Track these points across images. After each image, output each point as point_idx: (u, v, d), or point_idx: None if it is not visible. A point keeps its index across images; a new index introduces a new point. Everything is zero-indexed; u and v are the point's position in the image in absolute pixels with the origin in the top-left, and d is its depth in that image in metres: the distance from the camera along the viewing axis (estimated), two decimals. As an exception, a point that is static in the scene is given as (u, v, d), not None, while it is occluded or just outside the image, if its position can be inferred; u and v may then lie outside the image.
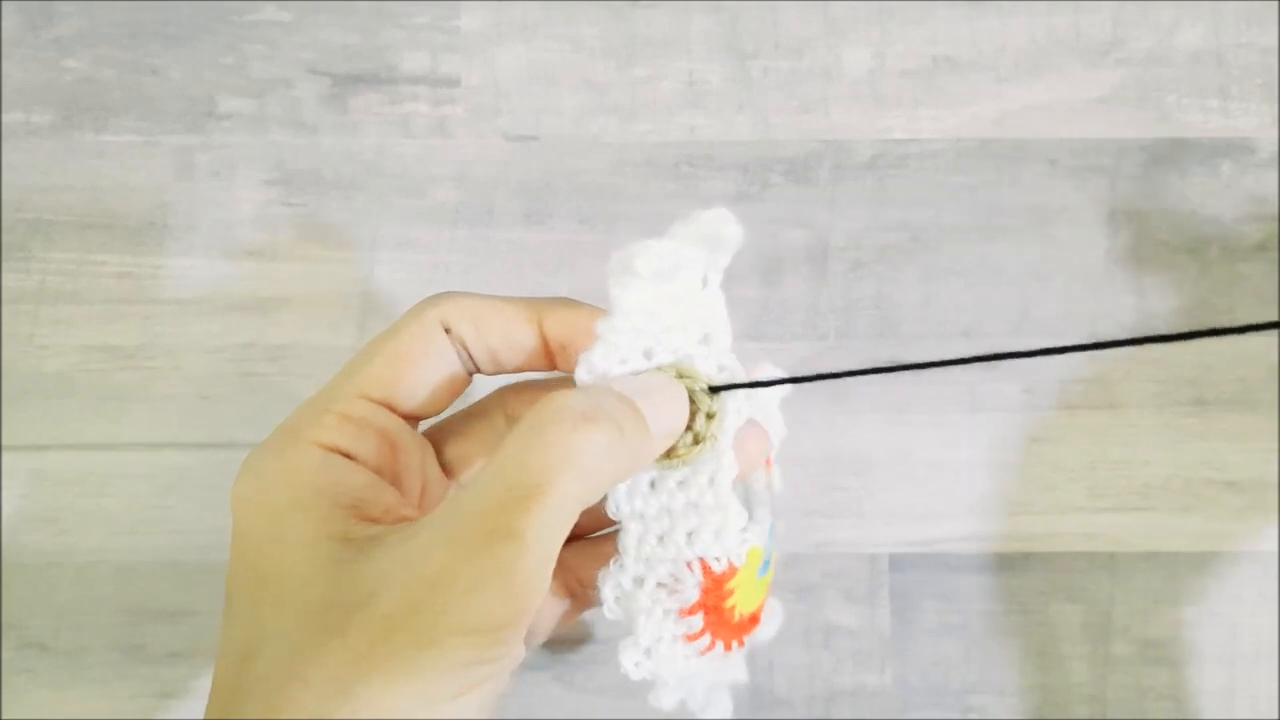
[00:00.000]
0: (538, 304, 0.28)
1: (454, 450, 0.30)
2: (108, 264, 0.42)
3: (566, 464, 0.23)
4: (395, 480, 0.28)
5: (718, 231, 0.27)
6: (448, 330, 0.28)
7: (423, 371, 0.28)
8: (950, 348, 0.42)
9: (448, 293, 0.29)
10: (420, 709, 0.22)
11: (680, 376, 0.27)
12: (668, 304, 0.27)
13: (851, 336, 0.42)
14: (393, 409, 0.28)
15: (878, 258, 0.42)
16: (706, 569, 0.28)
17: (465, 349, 0.28)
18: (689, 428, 0.27)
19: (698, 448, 0.27)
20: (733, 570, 0.28)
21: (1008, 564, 0.40)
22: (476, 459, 0.30)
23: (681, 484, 0.28)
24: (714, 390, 0.28)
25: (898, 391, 0.41)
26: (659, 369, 0.27)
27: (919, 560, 0.40)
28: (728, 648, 0.29)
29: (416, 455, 0.29)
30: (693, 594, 0.28)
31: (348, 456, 0.27)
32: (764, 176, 0.42)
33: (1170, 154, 0.43)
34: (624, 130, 0.43)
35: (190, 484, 0.40)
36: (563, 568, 0.31)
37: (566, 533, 0.24)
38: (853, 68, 0.43)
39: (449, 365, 0.28)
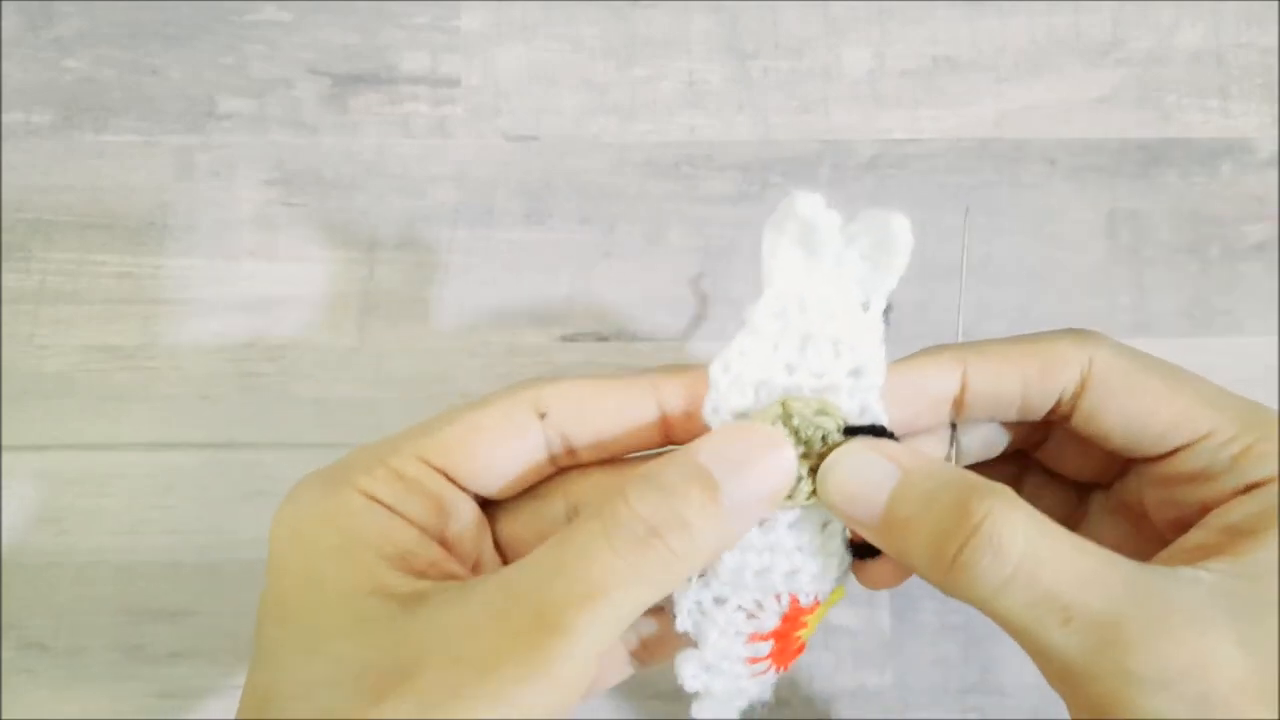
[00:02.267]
0: (650, 376, 0.27)
1: (506, 529, 0.29)
2: (108, 264, 0.42)
3: (631, 576, 0.23)
4: (443, 545, 0.26)
5: (887, 235, 0.25)
6: (542, 416, 0.26)
7: (497, 453, 0.26)
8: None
9: (551, 378, 0.27)
10: None
11: (820, 414, 0.25)
12: (820, 310, 0.25)
13: (851, 336, 0.42)
14: (452, 480, 0.26)
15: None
16: (795, 601, 0.27)
17: (563, 438, 0.27)
18: (815, 470, 0.25)
19: (815, 493, 0.26)
20: (816, 605, 0.27)
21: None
22: (528, 543, 0.28)
23: (792, 526, 0.26)
24: (850, 433, 0.25)
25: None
26: (786, 411, 0.25)
27: (919, 560, 0.40)
28: (777, 670, 0.28)
29: (471, 529, 0.27)
30: (772, 622, 0.27)
31: (392, 510, 0.25)
32: (764, 176, 0.42)
33: (1170, 154, 0.43)
34: (624, 130, 0.43)
35: (190, 484, 0.40)
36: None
37: (619, 634, 0.24)
38: (853, 68, 0.43)
39: (529, 452, 0.27)
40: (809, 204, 0.24)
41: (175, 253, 0.42)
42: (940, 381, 0.26)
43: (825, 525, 0.26)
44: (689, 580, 0.27)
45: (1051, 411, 0.27)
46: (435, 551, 0.26)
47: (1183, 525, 0.26)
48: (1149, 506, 0.27)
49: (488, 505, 0.28)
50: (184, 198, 0.42)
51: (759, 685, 0.28)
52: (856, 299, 0.26)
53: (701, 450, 0.24)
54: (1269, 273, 0.42)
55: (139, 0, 0.43)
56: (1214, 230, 0.43)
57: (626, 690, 0.40)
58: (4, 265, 0.41)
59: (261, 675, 0.24)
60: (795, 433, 0.25)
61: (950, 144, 0.43)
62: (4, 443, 0.40)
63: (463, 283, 0.42)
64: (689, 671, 0.27)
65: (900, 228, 0.25)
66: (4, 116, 0.42)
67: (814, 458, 0.25)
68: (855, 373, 0.26)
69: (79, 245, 0.42)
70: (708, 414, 0.26)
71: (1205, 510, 0.25)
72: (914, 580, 0.40)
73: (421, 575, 0.24)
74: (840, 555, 0.27)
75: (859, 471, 0.25)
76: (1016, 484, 0.30)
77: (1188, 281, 0.42)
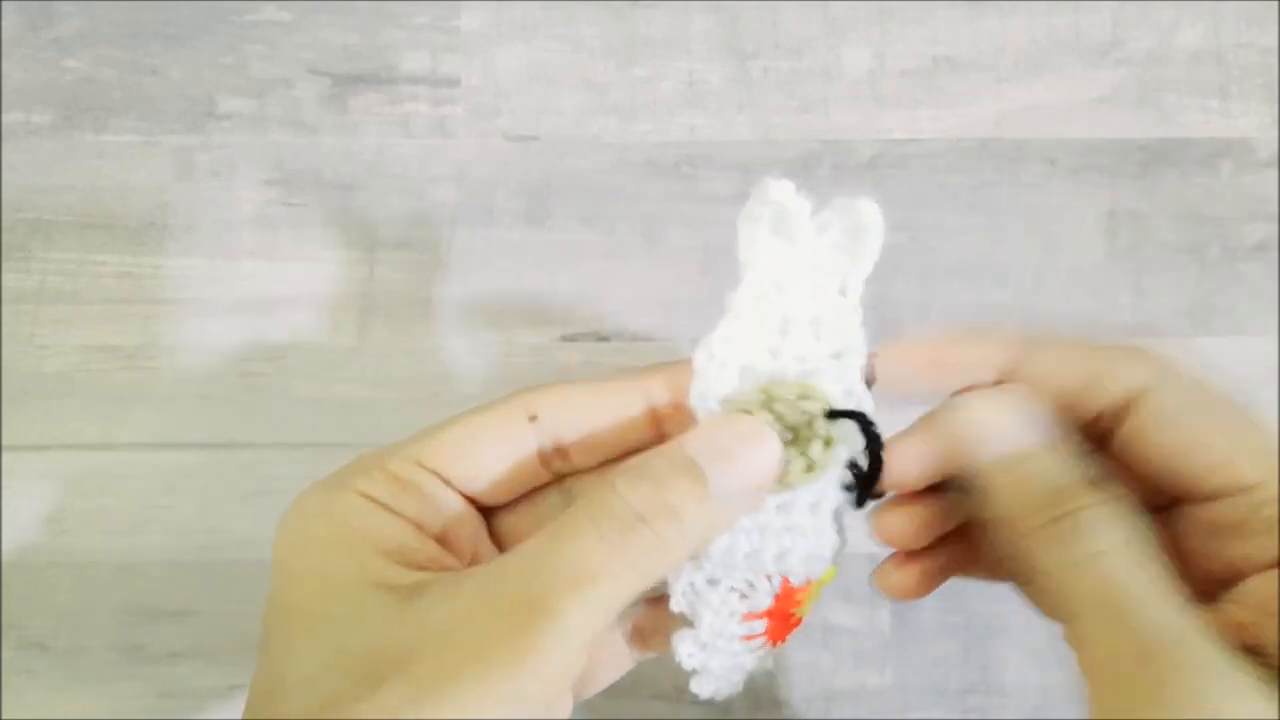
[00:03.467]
0: (637, 373, 0.27)
1: (506, 523, 0.29)
2: (108, 264, 0.42)
3: (619, 564, 0.23)
4: (440, 542, 0.27)
5: (858, 221, 0.26)
6: (533, 418, 0.27)
7: (489, 455, 0.27)
8: (950, 348, 0.42)
9: (543, 384, 0.27)
10: None
11: (803, 398, 0.26)
12: (798, 293, 0.26)
13: (851, 336, 0.42)
14: (447, 483, 0.27)
15: (878, 258, 0.42)
16: (786, 583, 0.27)
17: (554, 439, 0.27)
18: (803, 453, 0.26)
19: (809, 475, 0.26)
20: (809, 586, 0.28)
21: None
22: (527, 535, 0.28)
23: (781, 508, 0.27)
24: (833, 415, 0.26)
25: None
26: (768, 396, 0.26)
27: (919, 560, 0.40)
28: (774, 645, 0.29)
29: (467, 528, 0.27)
30: (765, 601, 0.27)
31: (388, 509, 0.26)
32: (764, 177, 0.42)
33: (1170, 154, 0.43)
34: (624, 130, 0.43)
35: (190, 484, 0.40)
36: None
37: (610, 622, 0.24)
38: (853, 68, 0.43)
39: (521, 455, 0.27)
40: (781, 190, 0.25)
41: (175, 253, 0.42)
42: (980, 360, 0.25)
43: (814, 506, 0.27)
44: (682, 563, 0.27)
45: (1089, 426, 0.26)
46: (432, 548, 0.26)
47: (1221, 581, 0.24)
48: (1190, 551, 0.26)
49: (489, 513, 0.29)
50: (184, 198, 0.42)
51: (756, 659, 0.29)
52: (833, 285, 0.26)
53: (688, 442, 0.25)
54: (1269, 273, 0.42)
55: (139, 0, 0.43)
56: (1214, 230, 0.43)
57: (627, 690, 0.40)
58: (4, 265, 0.41)
59: (266, 670, 0.25)
60: (780, 418, 0.26)
61: (950, 144, 0.43)
62: (4, 443, 0.40)
63: (463, 283, 0.42)
64: (685, 650, 0.28)
65: (870, 213, 0.25)
66: (4, 116, 0.42)
67: (801, 442, 0.26)
68: (837, 355, 0.26)
69: (79, 245, 0.42)
70: (694, 401, 0.26)
71: (1243, 570, 0.24)
72: (914, 580, 0.40)
73: (421, 569, 0.25)
74: (831, 536, 0.27)
75: (1005, 418, 0.25)
76: None
77: (1188, 281, 0.42)
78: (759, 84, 0.43)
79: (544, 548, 0.24)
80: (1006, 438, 0.25)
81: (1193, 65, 0.43)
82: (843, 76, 0.43)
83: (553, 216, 0.42)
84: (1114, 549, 0.23)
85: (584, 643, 0.23)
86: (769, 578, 0.27)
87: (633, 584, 0.24)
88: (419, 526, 0.26)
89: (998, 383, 0.26)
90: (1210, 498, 0.24)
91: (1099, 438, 0.26)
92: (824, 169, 0.42)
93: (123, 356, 0.41)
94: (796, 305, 0.26)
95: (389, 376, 0.41)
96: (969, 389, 0.26)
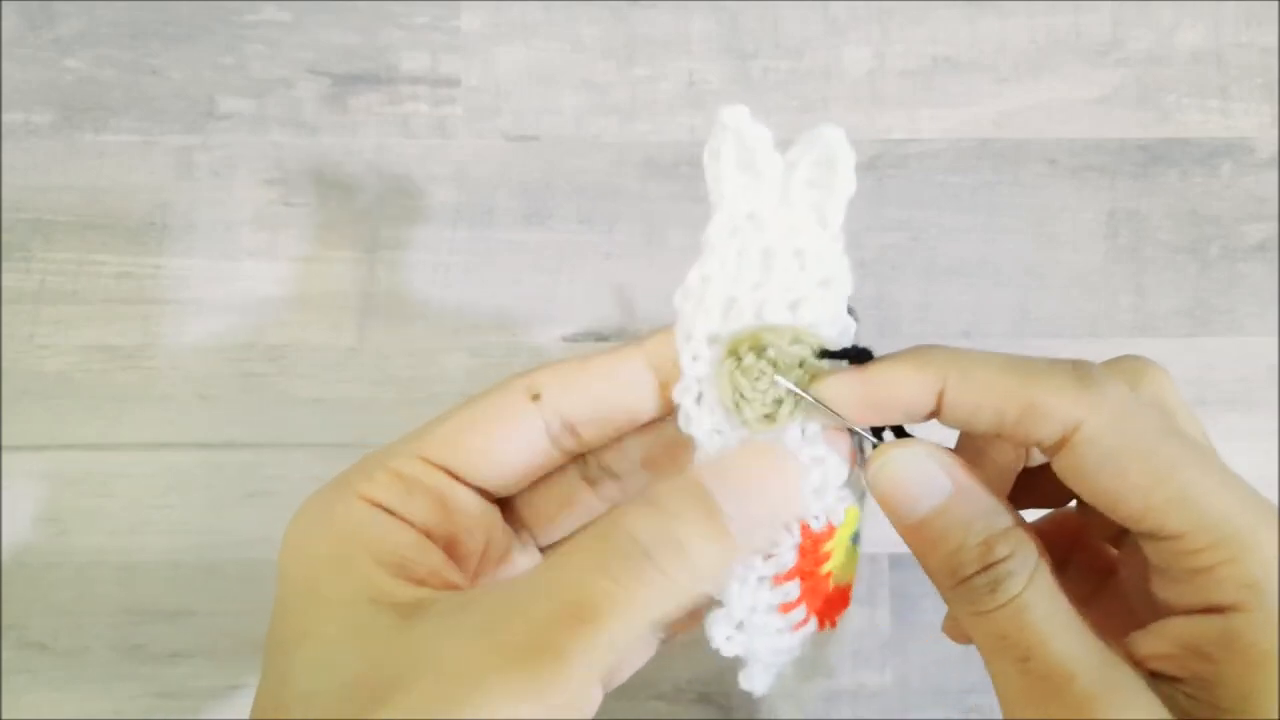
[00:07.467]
0: (634, 341, 0.26)
1: (526, 502, 0.28)
2: (108, 264, 0.42)
3: (625, 599, 0.22)
4: (449, 544, 0.26)
5: (825, 150, 0.24)
6: (535, 398, 0.26)
7: (494, 441, 0.26)
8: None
9: (543, 364, 0.26)
10: None
11: (795, 342, 0.25)
12: (778, 225, 0.25)
13: (851, 336, 0.42)
14: (453, 475, 0.26)
15: (878, 257, 0.42)
16: (805, 529, 0.26)
17: (561, 418, 0.26)
18: (790, 392, 0.25)
19: (798, 410, 0.25)
20: (831, 530, 0.26)
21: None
22: (551, 514, 0.28)
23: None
24: (825, 355, 0.25)
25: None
26: (756, 341, 0.25)
27: (919, 560, 0.40)
28: (820, 625, 0.27)
29: (478, 521, 0.27)
30: (790, 557, 0.26)
31: (393, 514, 0.25)
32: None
33: (1170, 154, 0.43)
34: (624, 130, 0.43)
35: (190, 484, 0.40)
36: None
37: (621, 660, 0.23)
38: (853, 68, 0.43)
39: (530, 439, 0.26)
40: (735, 115, 0.24)
41: (175, 253, 0.42)
42: (915, 395, 0.25)
43: (803, 433, 0.26)
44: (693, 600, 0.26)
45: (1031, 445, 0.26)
46: (435, 559, 0.25)
47: (1156, 605, 0.25)
48: (1141, 574, 0.26)
49: (507, 499, 0.28)
50: (184, 198, 0.42)
51: (804, 641, 0.27)
52: (811, 218, 0.25)
53: (703, 470, 0.24)
54: (1269, 273, 0.42)
55: (139, 0, 0.43)
56: (1214, 230, 0.43)
57: (627, 690, 0.40)
58: (4, 265, 0.41)
59: (270, 679, 0.24)
60: (773, 363, 0.25)
61: (950, 144, 0.43)
62: (4, 443, 0.40)
63: (463, 283, 0.42)
64: (721, 634, 0.26)
65: (837, 140, 0.24)
66: (4, 116, 0.42)
67: (793, 378, 0.25)
68: (824, 283, 0.25)
69: (79, 245, 0.42)
70: (680, 342, 0.26)
71: (1170, 605, 0.24)
72: (914, 580, 0.40)
73: (421, 584, 0.24)
74: (834, 460, 0.26)
75: (916, 477, 0.25)
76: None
77: (1188, 281, 0.42)
78: (759, 84, 0.43)
79: (549, 579, 0.23)
80: (913, 502, 0.25)
81: (1193, 65, 0.43)
82: (843, 76, 0.43)
83: (553, 216, 0.42)
84: (1015, 603, 0.24)
85: (589, 680, 0.22)
86: (787, 526, 0.26)
87: (639, 621, 0.22)
88: (426, 533, 0.25)
89: (932, 414, 0.25)
90: (1143, 535, 0.24)
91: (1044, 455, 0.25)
92: (824, 169, 0.42)
93: (123, 356, 0.41)
94: (777, 236, 0.25)
95: (389, 376, 0.41)
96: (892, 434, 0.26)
